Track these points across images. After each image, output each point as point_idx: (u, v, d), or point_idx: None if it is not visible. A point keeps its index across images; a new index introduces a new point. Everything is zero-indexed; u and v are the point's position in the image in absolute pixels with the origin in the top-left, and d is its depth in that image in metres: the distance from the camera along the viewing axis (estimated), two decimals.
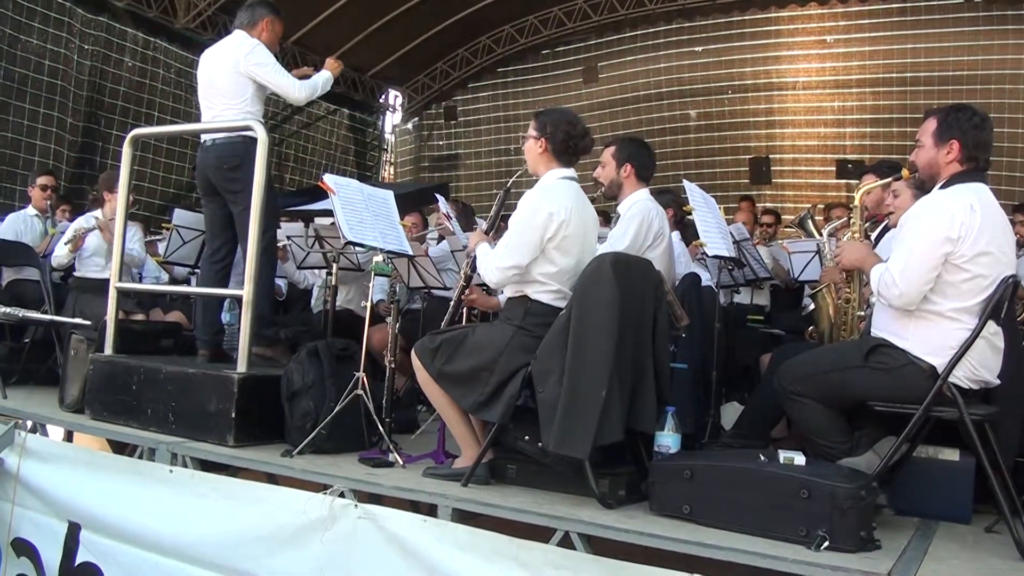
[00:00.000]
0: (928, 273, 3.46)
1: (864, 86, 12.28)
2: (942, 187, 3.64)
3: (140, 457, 4.50)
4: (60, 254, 6.50)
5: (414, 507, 3.86)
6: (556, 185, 3.96)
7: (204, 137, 5.22)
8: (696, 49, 13.36)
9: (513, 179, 4.41)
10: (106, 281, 5.49)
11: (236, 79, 5.11)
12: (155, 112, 11.74)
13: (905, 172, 4.07)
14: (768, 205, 10.97)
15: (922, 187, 3.91)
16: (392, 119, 16.53)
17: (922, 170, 3.75)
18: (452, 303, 4.46)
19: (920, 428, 3.58)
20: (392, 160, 16.74)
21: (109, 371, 4.94)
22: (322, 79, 5.42)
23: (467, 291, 4.37)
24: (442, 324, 4.37)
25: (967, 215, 3.45)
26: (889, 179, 4.38)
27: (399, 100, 16.22)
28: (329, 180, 4.59)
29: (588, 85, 14.33)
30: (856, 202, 4.34)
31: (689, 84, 13.45)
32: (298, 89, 5.23)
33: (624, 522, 3.38)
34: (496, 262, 3.90)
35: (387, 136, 16.58)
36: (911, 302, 3.50)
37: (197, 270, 7.02)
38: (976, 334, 3.45)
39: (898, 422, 3.58)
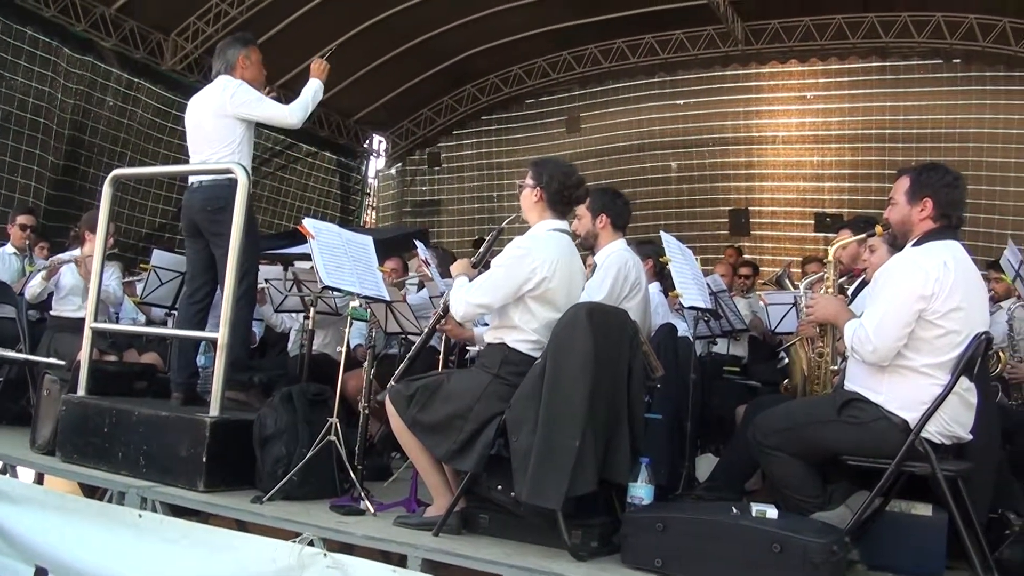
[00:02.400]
0: (902, 329, 3.49)
1: (843, 142, 12.48)
2: (915, 244, 3.70)
3: (110, 501, 4.43)
4: (33, 284, 6.47)
5: (385, 556, 3.81)
6: (546, 237, 3.97)
7: (191, 179, 5.21)
8: (678, 102, 13.56)
9: (508, 221, 4.42)
10: (82, 320, 5.44)
11: (224, 123, 5.10)
12: (128, 152, 11.76)
13: (879, 229, 4.12)
14: (747, 257, 11.03)
15: (895, 243, 3.95)
16: (376, 164, 16.60)
17: (895, 227, 3.81)
18: (426, 330, 4.46)
19: (893, 483, 3.59)
20: (375, 205, 16.79)
21: (81, 413, 4.87)
22: (311, 92, 5.35)
23: (443, 320, 4.38)
24: (413, 348, 4.41)
25: (941, 272, 3.49)
26: (863, 235, 4.43)
27: (383, 145, 16.29)
28: (308, 224, 4.59)
29: (571, 135, 14.47)
30: (830, 257, 4.38)
31: (671, 136, 13.63)
32: (290, 113, 5.21)
33: (595, 575, 3.35)
34: (468, 296, 3.90)
35: (370, 181, 16.64)
36: (884, 358, 3.53)
37: (174, 311, 6.98)
38: (949, 390, 3.47)
39: (871, 476, 3.58)
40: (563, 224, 4.07)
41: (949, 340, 3.50)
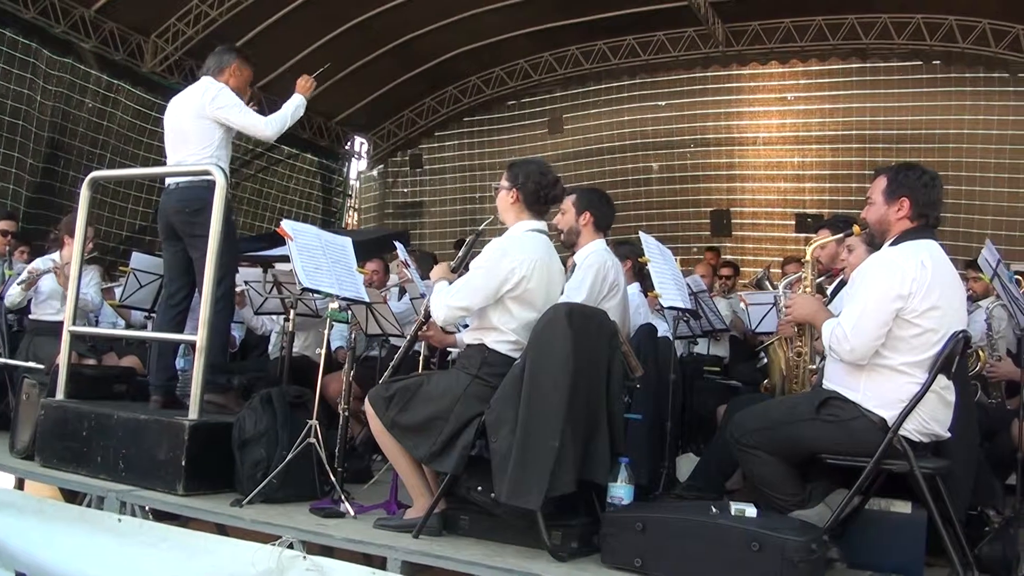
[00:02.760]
0: (879, 329, 3.51)
1: (823, 142, 12.52)
2: (892, 243, 3.71)
3: (89, 505, 4.41)
4: (12, 293, 6.44)
5: (367, 559, 3.80)
6: (523, 237, 3.99)
7: (167, 181, 5.19)
8: (659, 103, 13.58)
9: (485, 224, 4.44)
10: (62, 324, 5.39)
11: (202, 124, 5.09)
12: (108, 154, 11.72)
13: (856, 228, 4.14)
14: (728, 258, 11.07)
15: (872, 243, 3.97)
16: (357, 166, 16.58)
17: (873, 227, 3.83)
18: (408, 338, 4.46)
19: (872, 481, 3.61)
20: (356, 206, 16.76)
21: (60, 417, 4.84)
22: (292, 107, 5.38)
23: (425, 327, 4.38)
24: (395, 356, 4.39)
25: (918, 271, 3.51)
26: (841, 235, 4.45)
27: (365, 147, 16.25)
28: (287, 226, 4.57)
29: (553, 136, 14.48)
30: (807, 257, 4.40)
31: (652, 137, 13.65)
32: (266, 125, 5.22)
33: (575, 575, 3.35)
34: (448, 300, 3.90)
35: (352, 182, 16.61)
36: (862, 357, 3.54)
37: (154, 314, 6.95)
38: (926, 388, 3.49)
39: (850, 475, 3.60)
40: (541, 224, 4.08)
41: (927, 339, 3.52)
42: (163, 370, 5.18)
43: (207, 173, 4.80)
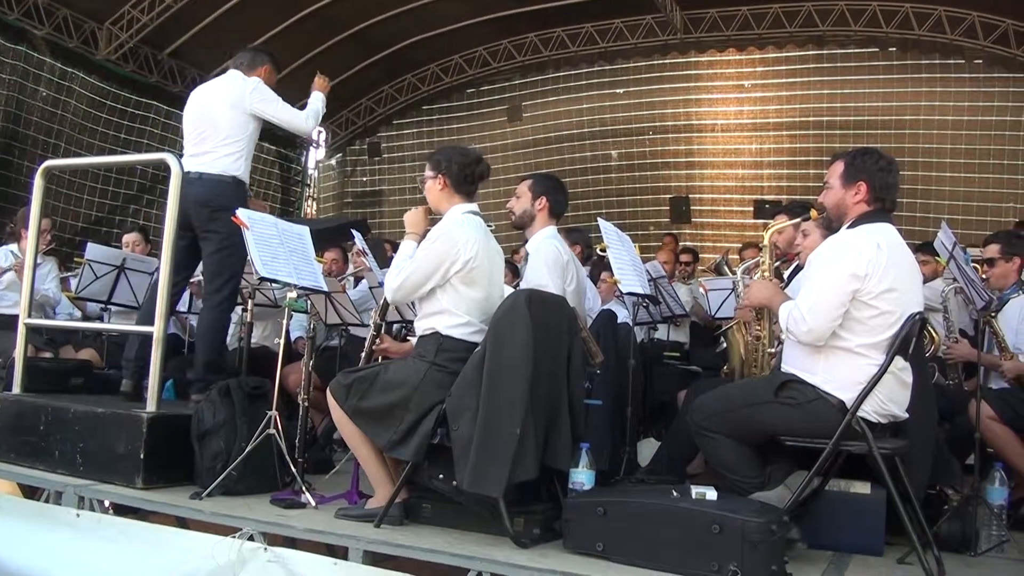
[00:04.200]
0: (836, 310, 3.54)
1: (781, 129, 12.64)
2: (850, 227, 3.75)
3: (47, 501, 4.35)
4: None
5: (330, 550, 3.78)
6: (462, 219, 4.01)
7: (189, 168, 5.04)
8: (618, 91, 13.63)
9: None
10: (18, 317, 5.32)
11: (238, 116, 5.08)
12: (63, 143, 11.58)
13: (813, 213, 4.18)
14: (688, 244, 11.13)
15: (830, 227, 4.00)
16: (315, 155, 16.46)
17: (830, 211, 3.86)
18: (363, 354, 4.46)
19: (832, 462, 3.64)
20: (315, 196, 16.65)
21: (16, 411, 4.76)
22: (320, 103, 5.49)
23: (378, 340, 4.40)
24: (362, 357, 4.37)
25: (874, 253, 3.55)
26: (798, 219, 4.48)
27: (322, 136, 16.15)
28: (242, 215, 4.51)
29: (512, 124, 14.49)
30: (765, 242, 4.43)
31: (611, 125, 13.70)
32: (306, 119, 5.32)
33: (538, 561, 3.36)
34: (400, 278, 3.92)
35: (310, 172, 16.49)
36: (819, 338, 3.57)
37: (110, 307, 6.86)
38: (884, 370, 3.52)
39: (809, 456, 3.63)
40: (474, 207, 4.12)
41: (883, 320, 3.56)
42: (142, 356, 5.05)
43: (163, 162, 4.73)
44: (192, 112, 5.21)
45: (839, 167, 3.82)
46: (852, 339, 3.57)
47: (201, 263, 5.26)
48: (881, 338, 3.56)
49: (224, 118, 5.08)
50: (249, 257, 4.55)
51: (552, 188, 4.81)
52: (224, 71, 5.37)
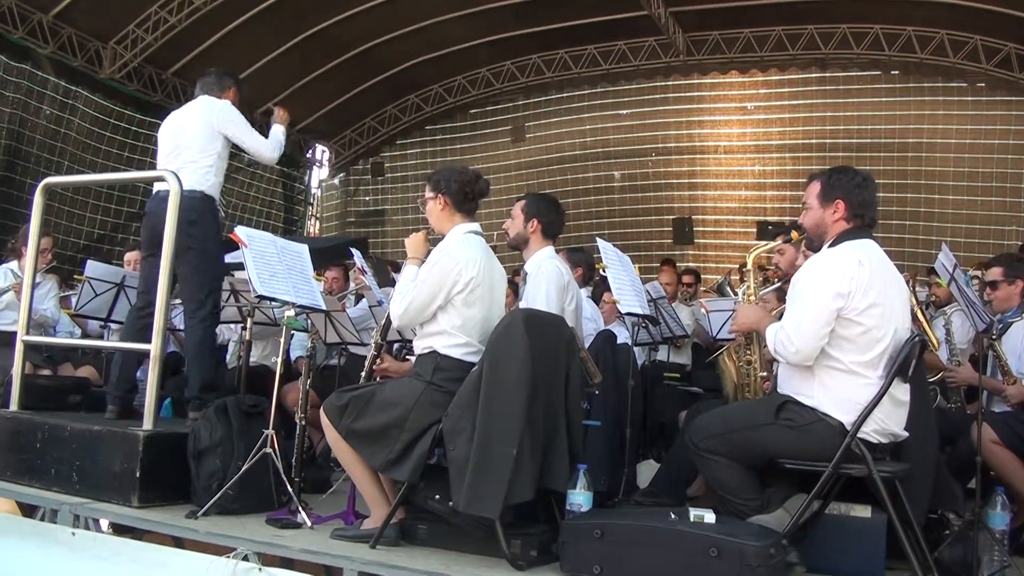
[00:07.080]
0: (822, 328, 3.53)
1: (784, 151, 12.66)
2: (831, 245, 3.75)
3: (42, 519, 4.33)
4: None
5: (326, 570, 3.76)
6: (464, 239, 4.01)
7: (157, 187, 5.09)
8: (621, 112, 13.67)
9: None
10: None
11: (205, 134, 5.08)
12: (66, 161, 11.60)
13: (795, 234, 4.19)
14: (691, 265, 11.11)
15: (812, 247, 4.00)
16: (319, 174, 16.50)
17: (810, 231, 3.88)
18: (364, 373, 4.44)
19: (832, 485, 3.61)
20: (318, 215, 16.67)
21: (13, 428, 4.74)
22: (282, 134, 5.45)
23: (379, 360, 4.39)
24: (362, 376, 4.36)
25: (856, 270, 3.55)
26: (776, 242, 4.52)
27: (326, 155, 16.19)
28: (240, 232, 4.51)
29: (516, 144, 14.51)
30: (749, 265, 4.43)
31: (614, 146, 13.72)
32: (270, 149, 5.29)
33: None
34: (404, 302, 3.90)
35: (313, 191, 16.52)
36: (808, 358, 3.57)
37: (110, 323, 6.85)
38: (883, 391, 3.49)
39: (809, 479, 3.60)
40: (476, 226, 4.12)
41: (871, 336, 3.54)
42: (123, 380, 5.08)
43: (162, 179, 4.74)
44: (166, 133, 5.23)
45: (816, 187, 3.84)
46: (843, 358, 3.56)
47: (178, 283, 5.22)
48: (871, 355, 3.54)
49: (195, 136, 5.09)
50: (247, 275, 4.54)
51: (545, 209, 4.80)
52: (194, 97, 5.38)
